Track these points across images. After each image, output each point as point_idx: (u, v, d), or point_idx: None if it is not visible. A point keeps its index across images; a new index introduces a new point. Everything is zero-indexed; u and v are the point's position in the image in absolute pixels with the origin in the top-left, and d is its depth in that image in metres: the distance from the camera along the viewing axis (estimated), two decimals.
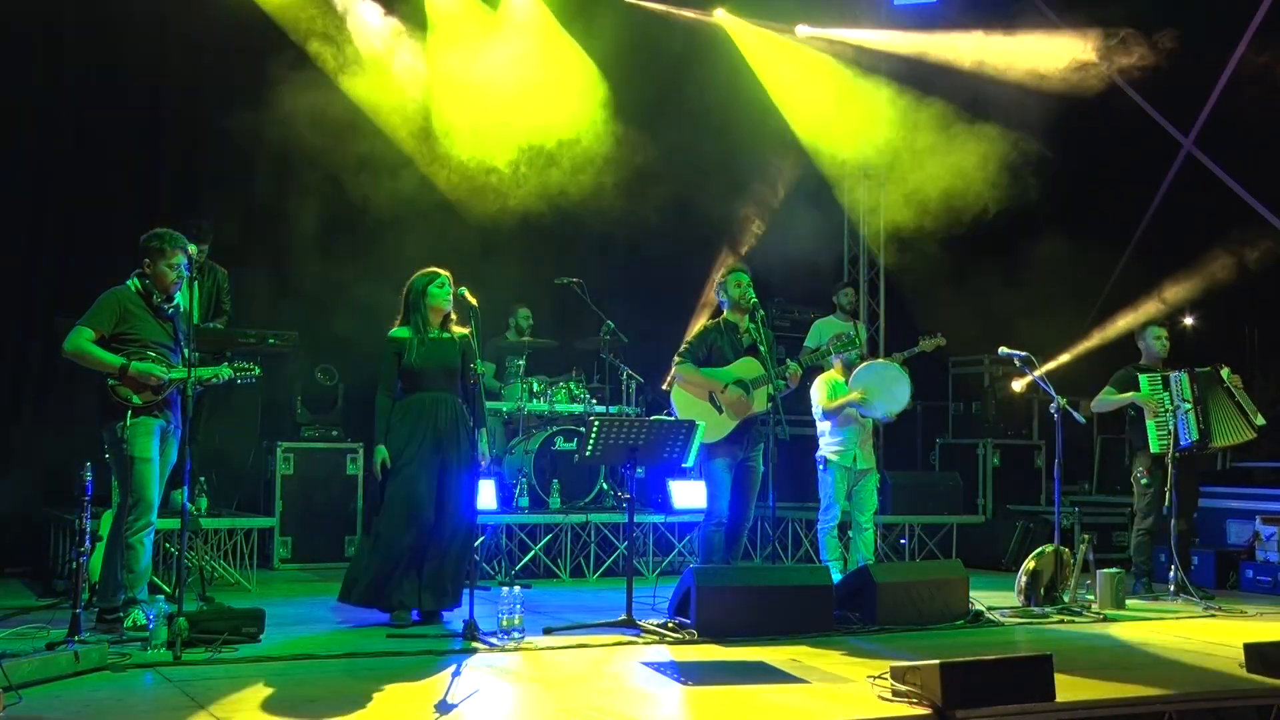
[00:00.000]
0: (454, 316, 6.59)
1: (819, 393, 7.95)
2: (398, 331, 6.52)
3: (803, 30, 11.72)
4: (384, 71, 9.78)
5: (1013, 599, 7.30)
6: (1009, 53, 10.71)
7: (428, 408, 6.40)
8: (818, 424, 8.02)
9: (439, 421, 6.38)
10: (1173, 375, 8.18)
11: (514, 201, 10.31)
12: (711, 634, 5.93)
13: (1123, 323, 9.59)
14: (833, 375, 7.96)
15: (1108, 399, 8.35)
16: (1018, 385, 7.69)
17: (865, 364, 7.94)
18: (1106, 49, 10.28)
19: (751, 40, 11.53)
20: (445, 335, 6.55)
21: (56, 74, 9.16)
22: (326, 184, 9.76)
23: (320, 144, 10.03)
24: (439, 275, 6.56)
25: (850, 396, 7.78)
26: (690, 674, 5.16)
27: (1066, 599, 7.31)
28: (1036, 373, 7.90)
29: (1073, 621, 6.94)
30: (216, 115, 9.71)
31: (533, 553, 8.62)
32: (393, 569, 6.26)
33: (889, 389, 7.83)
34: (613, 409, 9.48)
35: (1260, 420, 8.18)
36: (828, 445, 7.90)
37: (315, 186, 9.75)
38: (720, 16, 11.38)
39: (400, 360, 6.43)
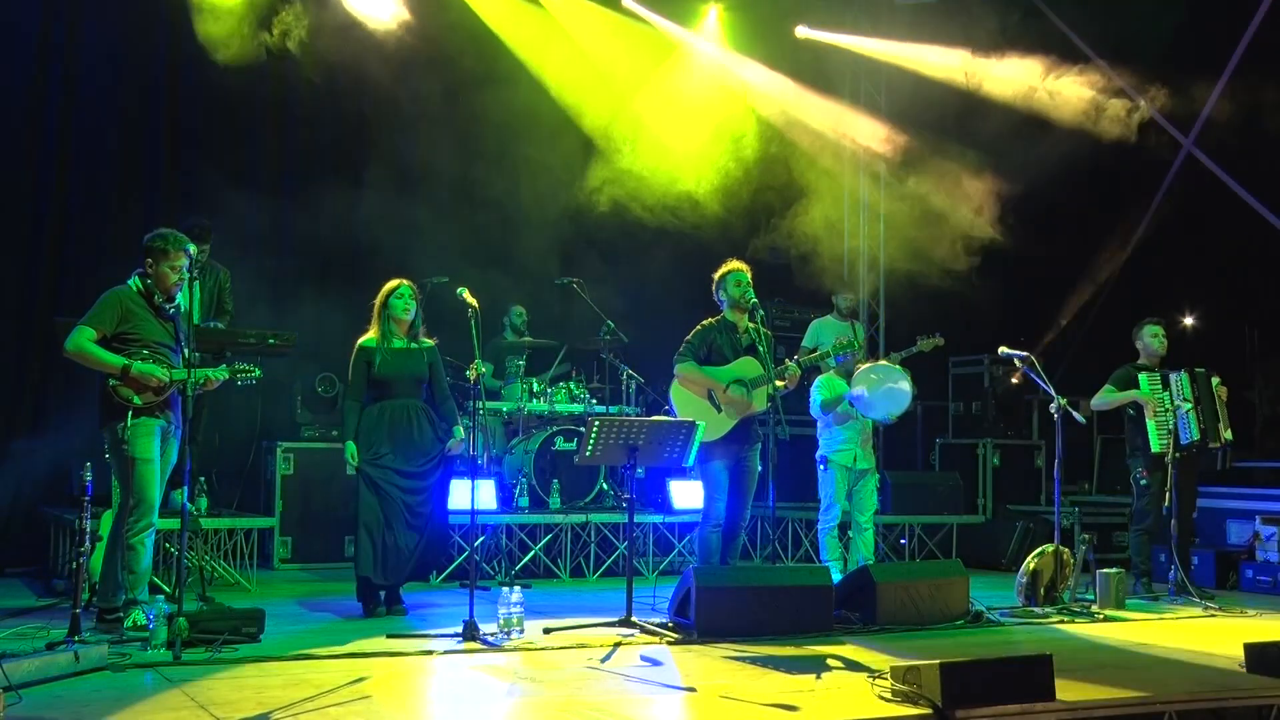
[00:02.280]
0: (421, 327, 6.87)
1: (818, 391, 7.94)
2: (366, 340, 6.80)
3: (802, 32, 11.74)
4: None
5: (1013, 599, 7.30)
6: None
7: (395, 414, 6.70)
8: (818, 424, 8.02)
9: (408, 427, 6.69)
10: (1173, 375, 8.18)
11: (515, 198, 10.34)
12: (711, 634, 5.93)
13: (1122, 321, 9.58)
14: (833, 374, 7.96)
15: (1107, 398, 8.35)
16: (1016, 379, 7.68)
17: (868, 364, 7.91)
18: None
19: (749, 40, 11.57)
20: (413, 345, 6.83)
21: (54, 72, 9.16)
22: (327, 185, 9.77)
23: (322, 145, 10.05)
24: (400, 285, 6.85)
25: (844, 398, 7.76)
26: (690, 674, 5.16)
27: (1066, 599, 7.31)
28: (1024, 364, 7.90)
29: (1073, 621, 6.94)
30: (219, 115, 9.72)
31: (533, 553, 8.62)
32: (387, 568, 6.59)
33: (890, 391, 7.80)
34: (613, 409, 9.48)
35: (1228, 435, 8.24)
36: (828, 445, 7.89)
37: (316, 187, 9.76)
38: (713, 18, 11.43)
39: (369, 369, 6.71)
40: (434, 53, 9.90)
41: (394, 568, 6.63)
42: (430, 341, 6.93)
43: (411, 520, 6.65)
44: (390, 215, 9.86)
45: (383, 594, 6.68)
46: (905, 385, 7.78)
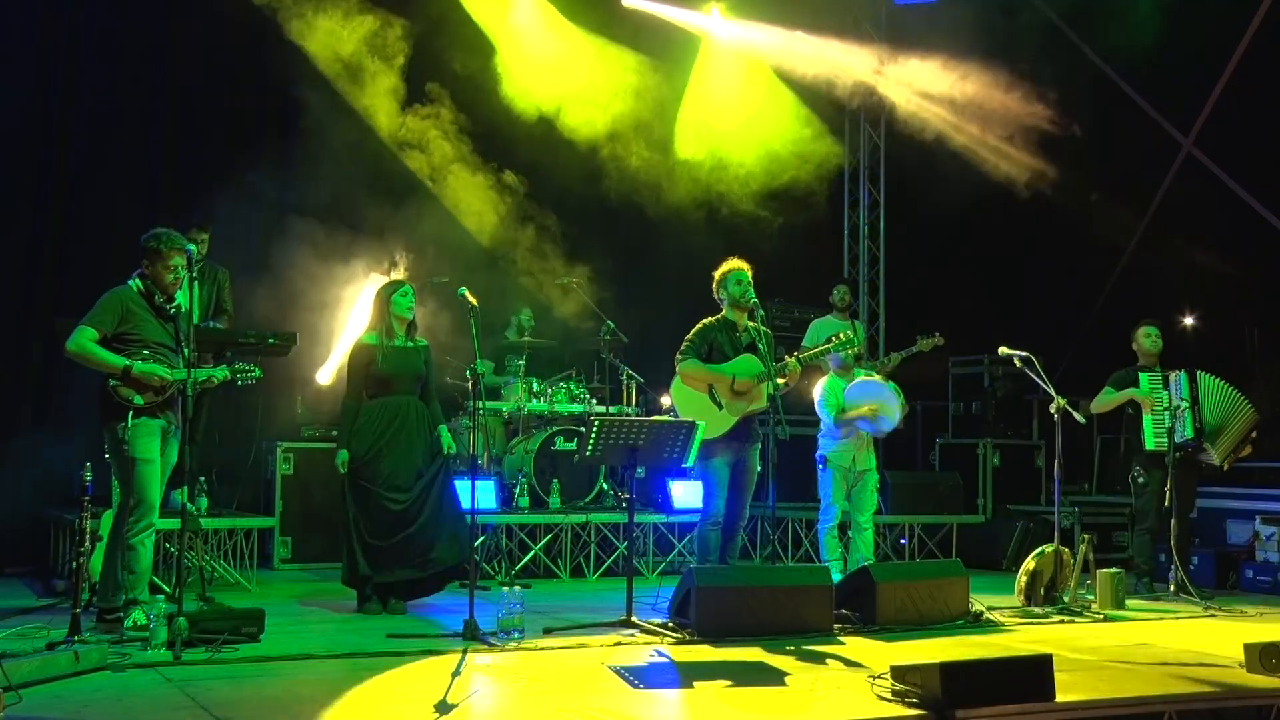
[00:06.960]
0: (415, 325, 6.96)
1: (825, 400, 7.89)
2: (367, 337, 6.86)
3: (800, 36, 11.73)
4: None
5: (1013, 599, 7.30)
6: None
7: (396, 411, 6.75)
8: (822, 424, 8.00)
9: (407, 424, 6.75)
10: (1172, 375, 8.21)
11: (514, 206, 10.35)
12: (711, 634, 5.93)
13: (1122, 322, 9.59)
14: (835, 381, 7.90)
15: (1106, 399, 8.39)
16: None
17: (857, 382, 7.88)
18: None
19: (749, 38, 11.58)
20: (411, 344, 6.90)
21: (58, 72, 9.16)
22: (328, 190, 9.77)
23: (324, 148, 10.04)
24: (402, 284, 6.97)
25: (861, 411, 7.75)
26: (690, 674, 5.16)
27: (1066, 599, 7.30)
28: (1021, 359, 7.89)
29: (1073, 621, 6.94)
30: (219, 115, 9.72)
31: (533, 553, 8.62)
32: (380, 565, 6.62)
33: (881, 407, 7.79)
34: (613, 409, 9.47)
35: (1224, 464, 8.26)
36: (827, 445, 7.88)
37: (314, 191, 9.75)
38: (715, 17, 11.42)
39: (370, 366, 6.77)
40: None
41: (388, 561, 6.59)
42: (424, 341, 7.03)
43: (407, 517, 6.62)
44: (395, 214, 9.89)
45: (380, 590, 6.66)
46: (895, 403, 7.75)
